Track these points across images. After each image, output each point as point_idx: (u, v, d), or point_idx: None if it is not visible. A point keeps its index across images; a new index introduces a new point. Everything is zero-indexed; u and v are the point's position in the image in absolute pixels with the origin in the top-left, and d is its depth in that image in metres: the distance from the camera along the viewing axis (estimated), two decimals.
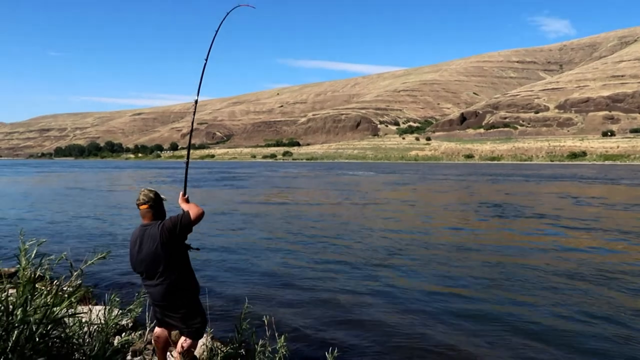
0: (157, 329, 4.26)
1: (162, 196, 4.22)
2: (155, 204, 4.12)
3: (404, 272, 9.61)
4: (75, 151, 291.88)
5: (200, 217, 4.05)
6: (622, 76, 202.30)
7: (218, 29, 5.21)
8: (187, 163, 4.75)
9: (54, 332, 3.33)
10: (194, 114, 5.29)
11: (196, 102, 4.88)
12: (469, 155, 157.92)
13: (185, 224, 4.01)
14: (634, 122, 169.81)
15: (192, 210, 4.06)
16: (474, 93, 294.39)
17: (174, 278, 3.96)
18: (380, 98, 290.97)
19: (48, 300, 2.96)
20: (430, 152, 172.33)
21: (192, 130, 5.19)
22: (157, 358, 4.52)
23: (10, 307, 2.74)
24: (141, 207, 4.09)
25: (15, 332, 2.66)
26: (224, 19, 5.28)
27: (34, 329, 2.73)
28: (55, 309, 2.90)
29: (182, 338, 4.08)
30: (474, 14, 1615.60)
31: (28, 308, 2.75)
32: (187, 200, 4.32)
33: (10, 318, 2.66)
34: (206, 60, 4.95)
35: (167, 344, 4.26)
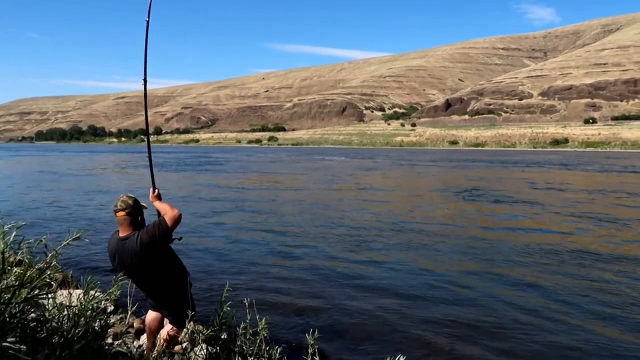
0: (152, 313, 4.27)
1: (142, 204, 4.03)
2: (134, 211, 3.90)
3: (381, 256, 9.70)
4: (56, 135, 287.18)
5: (177, 221, 3.86)
6: (605, 64, 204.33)
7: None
8: (150, 155, 4.48)
9: (31, 315, 3.31)
10: (145, 98, 4.87)
11: (145, 81, 4.59)
12: (454, 141, 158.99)
13: (164, 232, 3.82)
14: (616, 110, 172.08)
15: (168, 214, 3.86)
16: (459, 79, 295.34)
17: (162, 278, 3.97)
18: (366, 84, 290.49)
19: (17, 280, 2.89)
20: (415, 138, 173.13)
21: (146, 118, 4.74)
22: (140, 341, 4.53)
23: None
24: (118, 214, 3.87)
25: None
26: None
27: (2, 309, 2.64)
28: (23, 289, 2.82)
29: (169, 326, 4.11)
30: (461, 1, 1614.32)
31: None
32: (159, 197, 4.15)
33: None
34: (147, 19, 4.56)
35: (159, 328, 4.29)
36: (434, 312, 6.49)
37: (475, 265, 9.03)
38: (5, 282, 2.83)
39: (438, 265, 9.01)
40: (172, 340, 4.11)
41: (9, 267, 3.32)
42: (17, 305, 2.73)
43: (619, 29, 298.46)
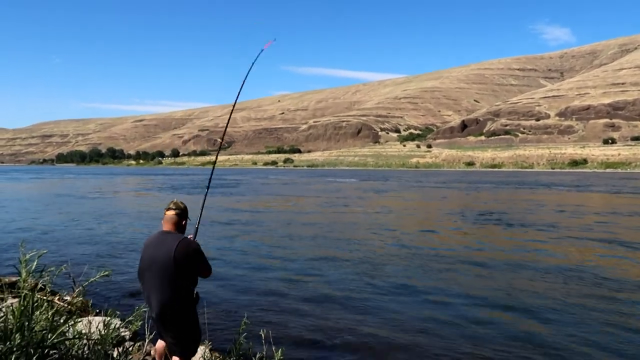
0: (159, 342, 4.29)
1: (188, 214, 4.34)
2: (182, 214, 4.22)
3: (394, 282, 9.64)
4: (76, 157, 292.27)
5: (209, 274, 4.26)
6: (623, 84, 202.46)
7: (250, 68, 5.36)
8: (203, 207, 4.66)
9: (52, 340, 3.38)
10: (216, 159, 5.21)
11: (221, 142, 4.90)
12: (470, 162, 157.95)
13: (204, 265, 4.15)
14: (635, 130, 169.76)
15: (206, 272, 4.22)
16: (475, 100, 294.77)
17: (173, 294, 3.97)
18: (381, 105, 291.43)
19: (44, 324, 3.01)
20: (431, 159, 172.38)
21: (210, 178, 5.05)
22: None
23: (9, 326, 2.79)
24: (168, 212, 4.19)
25: (13, 356, 2.71)
26: (256, 59, 5.43)
27: (32, 352, 2.78)
28: (50, 334, 2.94)
29: (175, 358, 4.08)
30: (475, 22, 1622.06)
31: (26, 333, 2.81)
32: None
33: (9, 343, 2.72)
34: (237, 96, 5.17)
35: (164, 356, 4.29)
36: (459, 343, 6.43)
37: (486, 294, 8.93)
38: (35, 325, 2.95)
39: (452, 299, 8.93)
40: None
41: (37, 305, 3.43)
42: (44, 350, 2.90)
43: (637, 48, 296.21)
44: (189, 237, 4.18)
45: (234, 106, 5.54)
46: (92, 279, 3.28)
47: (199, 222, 4.45)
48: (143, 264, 4.08)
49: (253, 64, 5.38)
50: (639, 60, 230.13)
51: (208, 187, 4.73)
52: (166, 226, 4.18)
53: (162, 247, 4.01)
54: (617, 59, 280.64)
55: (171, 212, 4.16)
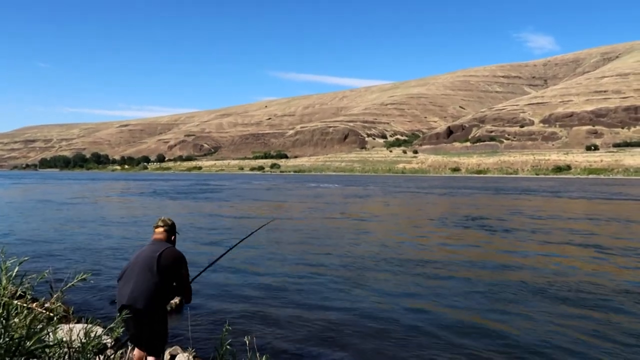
0: (136, 351, 4.32)
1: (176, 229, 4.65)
2: (170, 229, 4.52)
3: (376, 288, 9.65)
4: (60, 162, 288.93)
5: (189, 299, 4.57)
6: (605, 91, 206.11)
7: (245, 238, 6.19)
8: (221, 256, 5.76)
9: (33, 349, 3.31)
10: None
11: None
12: (456, 168, 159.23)
13: (186, 277, 4.39)
14: (617, 137, 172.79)
15: (187, 288, 4.46)
16: (461, 107, 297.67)
17: (153, 283, 4.09)
18: (368, 111, 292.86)
19: (22, 331, 3.01)
20: (417, 165, 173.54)
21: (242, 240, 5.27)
22: None
23: None
24: (157, 229, 4.49)
25: None
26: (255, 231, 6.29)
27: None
28: (27, 342, 2.93)
29: (150, 358, 4.23)
30: (461, 29, 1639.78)
31: (2, 340, 2.81)
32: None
33: None
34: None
35: None
36: (438, 344, 6.44)
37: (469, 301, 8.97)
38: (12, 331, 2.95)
39: (438, 306, 8.95)
40: None
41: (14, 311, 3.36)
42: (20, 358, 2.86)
43: (618, 57, 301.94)
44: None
45: None
46: (70, 284, 3.28)
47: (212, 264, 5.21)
48: (128, 265, 4.28)
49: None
50: (620, 69, 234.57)
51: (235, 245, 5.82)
52: (156, 238, 4.47)
53: (149, 250, 4.28)
54: (599, 67, 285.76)
55: (160, 230, 4.48)
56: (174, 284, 4.31)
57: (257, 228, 6.81)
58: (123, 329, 4.35)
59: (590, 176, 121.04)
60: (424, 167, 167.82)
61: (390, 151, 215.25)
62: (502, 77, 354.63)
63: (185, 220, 21.19)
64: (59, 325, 4.68)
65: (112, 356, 5.02)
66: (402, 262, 12.29)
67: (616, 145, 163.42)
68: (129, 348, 5.24)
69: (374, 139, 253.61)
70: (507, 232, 18.53)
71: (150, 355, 4.20)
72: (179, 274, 4.30)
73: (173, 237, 4.53)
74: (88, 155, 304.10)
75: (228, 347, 3.82)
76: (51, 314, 5.65)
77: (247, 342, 4.06)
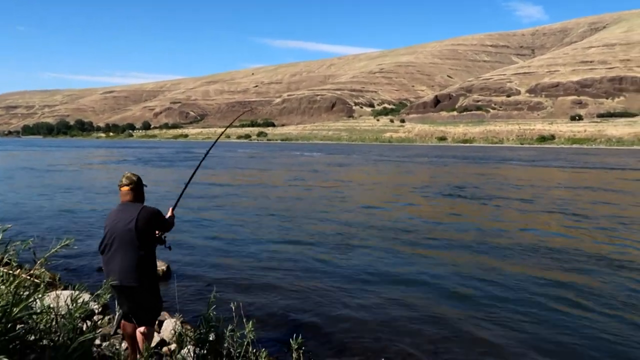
0: (128, 324, 4.32)
1: (143, 183, 4.39)
2: (137, 186, 4.27)
3: (364, 254, 9.81)
4: (43, 129, 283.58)
5: (172, 224, 4.61)
6: (591, 62, 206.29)
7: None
8: (187, 184, 5.37)
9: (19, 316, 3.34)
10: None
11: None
12: (442, 137, 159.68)
13: (164, 225, 4.37)
14: (601, 107, 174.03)
15: (171, 221, 4.56)
16: (448, 76, 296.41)
17: (135, 262, 4.04)
18: (356, 79, 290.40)
19: (8, 298, 2.96)
20: (404, 134, 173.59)
21: (206, 154, 5.32)
22: (126, 344, 4.57)
23: None
24: (123, 188, 4.24)
25: None
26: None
27: None
28: (14, 308, 2.90)
29: (140, 328, 4.16)
30: None
31: None
32: (172, 216, 4.73)
33: None
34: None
35: (134, 334, 4.32)
36: (420, 312, 6.61)
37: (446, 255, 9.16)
38: None
39: (420, 275, 9.12)
40: (147, 336, 4.20)
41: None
42: (7, 324, 2.83)
43: (605, 27, 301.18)
44: (147, 206, 4.26)
45: None
46: (53, 250, 3.27)
47: (179, 197, 4.92)
48: (106, 238, 4.14)
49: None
50: (607, 39, 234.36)
51: (200, 164, 5.33)
52: (124, 199, 4.26)
53: (123, 218, 4.09)
54: (586, 38, 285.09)
55: (125, 189, 4.22)
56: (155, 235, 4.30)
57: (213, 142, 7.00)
58: (110, 295, 4.38)
59: (574, 146, 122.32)
60: (410, 136, 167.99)
61: (378, 120, 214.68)
62: (490, 46, 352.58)
63: (163, 188, 21.16)
64: (45, 292, 4.72)
65: (100, 322, 5.09)
66: (384, 232, 12.46)
67: (600, 116, 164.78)
68: (117, 314, 5.31)
69: (362, 107, 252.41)
70: (485, 200, 18.80)
71: (142, 325, 4.17)
72: (159, 227, 4.31)
73: (141, 192, 4.33)
74: (72, 123, 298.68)
75: (214, 313, 3.90)
76: (37, 281, 5.68)
77: (234, 308, 4.13)
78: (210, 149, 5.78)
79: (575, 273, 8.57)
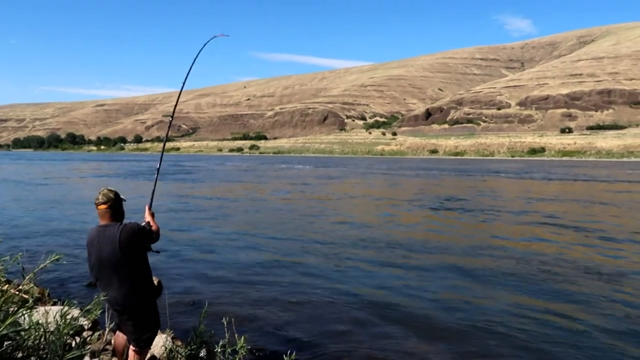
0: (119, 334, 4.25)
1: (122, 197, 4.12)
2: (115, 204, 4.01)
3: (355, 269, 9.79)
4: (34, 142, 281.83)
5: (158, 237, 4.19)
6: (580, 75, 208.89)
7: (195, 58, 5.37)
8: (157, 178, 4.76)
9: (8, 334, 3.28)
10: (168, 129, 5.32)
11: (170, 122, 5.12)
12: (434, 150, 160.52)
13: (149, 237, 4.06)
14: (591, 120, 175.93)
15: (156, 231, 4.14)
16: (439, 89, 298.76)
17: (132, 283, 3.94)
18: (348, 92, 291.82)
19: None
20: (396, 147, 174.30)
21: (160, 162, 5.09)
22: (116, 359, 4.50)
23: None
24: (100, 207, 3.98)
25: None
26: (202, 49, 5.50)
27: None
28: (1, 324, 2.85)
29: (132, 348, 4.06)
30: (441, 11, 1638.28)
31: None
32: (152, 215, 4.31)
33: None
34: (183, 84, 5.17)
35: (125, 348, 4.25)
36: (414, 327, 6.58)
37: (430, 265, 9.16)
38: None
39: (410, 286, 9.11)
40: (142, 356, 4.11)
41: None
42: None
43: (594, 40, 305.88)
44: (127, 223, 4.03)
45: (179, 94, 5.57)
46: (42, 265, 3.25)
47: (153, 193, 4.53)
48: (92, 262, 3.99)
49: (201, 50, 5.57)
50: (595, 52, 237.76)
51: (158, 171, 4.75)
52: (102, 220, 4.02)
53: (105, 243, 3.89)
54: (575, 51, 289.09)
55: (103, 207, 3.98)
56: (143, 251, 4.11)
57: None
58: (101, 311, 4.32)
59: (564, 158, 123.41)
60: (402, 149, 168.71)
61: (370, 133, 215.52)
62: (480, 59, 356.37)
63: (161, 203, 21.06)
64: (34, 308, 4.65)
65: (89, 338, 5.02)
66: (377, 244, 12.45)
67: (589, 128, 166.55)
68: (107, 330, 5.24)
69: (354, 120, 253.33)
70: (473, 212, 18.87)
71: (139, 347, 4.06)
72: (144, 242, 4.04)
73: (119, 208, 4.06)
74: (63, 136, 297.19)
75: (205, 327, 3.86)
76: (25, 297, 5.60)
77: (225, 323, 4.09)
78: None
79: (566, 284, 8.59)
